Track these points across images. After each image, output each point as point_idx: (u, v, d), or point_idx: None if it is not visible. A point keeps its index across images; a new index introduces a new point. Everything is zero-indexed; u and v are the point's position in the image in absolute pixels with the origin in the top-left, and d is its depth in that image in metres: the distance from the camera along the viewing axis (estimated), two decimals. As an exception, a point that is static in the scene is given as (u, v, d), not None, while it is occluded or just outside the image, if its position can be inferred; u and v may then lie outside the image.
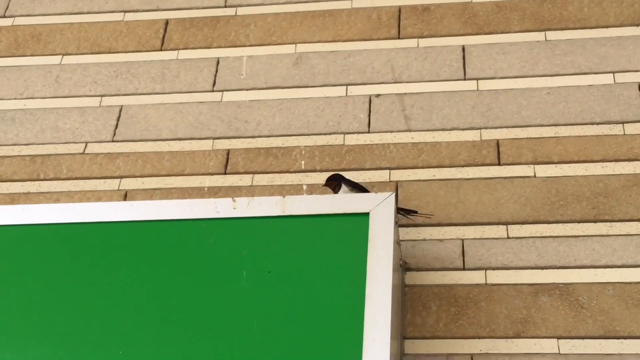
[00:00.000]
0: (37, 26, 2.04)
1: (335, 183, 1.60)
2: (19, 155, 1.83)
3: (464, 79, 1.83)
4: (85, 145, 1.83)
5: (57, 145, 1.84)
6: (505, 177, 1.68)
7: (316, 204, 1.48)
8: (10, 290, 1.46)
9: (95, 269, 1.47)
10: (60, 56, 1.98)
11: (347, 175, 1.71)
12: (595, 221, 1.60)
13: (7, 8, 2.08)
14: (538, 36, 1.86)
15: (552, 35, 1.86)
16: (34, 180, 1.79)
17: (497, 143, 1.73)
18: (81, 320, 1.41)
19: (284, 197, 1.50)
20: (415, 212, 1.60)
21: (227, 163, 1.77)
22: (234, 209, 1.49)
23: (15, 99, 1.92)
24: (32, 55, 1.99)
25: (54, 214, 1.51)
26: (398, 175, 1.72)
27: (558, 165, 1.68)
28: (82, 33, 2.02)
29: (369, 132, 1.78)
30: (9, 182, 1.79)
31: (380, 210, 1.45)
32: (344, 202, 1.48)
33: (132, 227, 1.51)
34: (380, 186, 1.70)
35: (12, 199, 1.76)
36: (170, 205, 1.53)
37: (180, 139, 1.82)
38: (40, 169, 1.80)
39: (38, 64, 1.97)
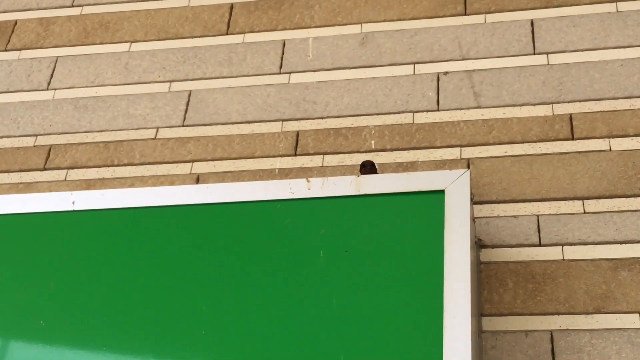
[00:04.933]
0: (105, 14, 2.07)
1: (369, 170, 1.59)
2: (92, 142, 1.86)
3: (534, 54, 1.80)
4: (157, 131, 1.86)
5: (129, 131, 1.87)
6: (579, 152, 1.66)
7: (391, 182, 1.48)
8: (92, 272, 1.49)
9: (174, 252, 1.49)
10: (129, 43, 2.01)
11: (419, 154, 1.71)
12: (674, 194, 1.57)
13: (74, -2, 2.12)
14: (609, 7, 1.82)
15: (624, 5, 1.82)
16: (109, 166, 1.82)
17: (570, 117, 1.70)
18: (163, 302, 1.44)
19: (358, 176, 1.50)
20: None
21: (296, 144, 1.78)
22: (309, 189, 1.50)
23: (87, 86, 1.95)
24: (101, 43, 2.02)
25: (133, 198, 1.54)
26: (469, 152, 1.71)
27: (634, 138, 1.65)
28: (149, 20, 2.04)
29: (438, 110, 1.77)
30: (85, 169, 1.82)
31: (455, 187, 1.44)
32: (419, 180, 1.47)
33: (209, 209, 1.52)
34: (451, 164, 1.69)
35: (89, 184, 1.80)
36: (245, 187, 1.55)
37: (249, 122, 1.83)
38: (114, 154, 1.84)
39: (107, 52, 2.00)
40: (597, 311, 1.48)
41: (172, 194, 1.55)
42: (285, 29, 1.96)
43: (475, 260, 1.50)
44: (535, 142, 1.69)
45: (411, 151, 1.72)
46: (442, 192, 1.45)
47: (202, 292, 1.45)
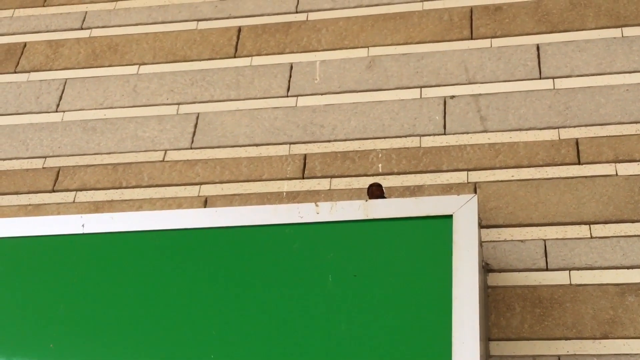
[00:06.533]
0: (114, 37, 2.09)
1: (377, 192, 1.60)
2: (101, 164, 1.87)
3: (540, 78, 1.82)
4: (165, 153, 1.87)
5: (137, 153, 1.88)
6: (586, 176, 1.67)
7: (399, 207, 1.49)
8: (102, 295, 1.50)
9: (183, 275, 1.50)
10: (137, 66, 2.03)
11: (425, 177, 1.72)
12: (680, 219, 1.58)
13: (83, 20, 2.14)
14: (615, 32, 1.84)
15: (629, 31, 1.83)
16: (117, 188, 1.83)
17: (577, 142, 1.71)
18: (172, 326, 1.44)
19: (366, 200, 1.51)
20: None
21: (304, 167, 1.79)
22: (317, 213, 1.51)
23: (96, 109, 1.97)
24: (109, 65, 2.04)
25: (143, 221, 1.55)
26: (476, 176, 1.71)
27: (640, 163, 1.66)
28: (157, 42, 2.06)
29: (445, 134, 1.78)
30: (93, 191, 1.83)
31: (463, 212, 1.45)
32: (427, 205, 1.48)
33: (218, 233, 1.53)
34: (458, 188, 1.70)
35: (97, 207, 1.80)
36: (253, 211, 1.55)
37: (257, 145, 1.85)
38: (122, 177, 1.85)
39: (116, 74, 2.02)
40: (605, 336, 1.48)
41: (181, 218, 1.56)
42: (292, 52, 1.98)
43: (482, 285, 1.51)
44: (541, 166, 1.70)
45: (418, 175, 1.73)
46: (450, 217, 1.45)
47: (210, 316, 1.45)
